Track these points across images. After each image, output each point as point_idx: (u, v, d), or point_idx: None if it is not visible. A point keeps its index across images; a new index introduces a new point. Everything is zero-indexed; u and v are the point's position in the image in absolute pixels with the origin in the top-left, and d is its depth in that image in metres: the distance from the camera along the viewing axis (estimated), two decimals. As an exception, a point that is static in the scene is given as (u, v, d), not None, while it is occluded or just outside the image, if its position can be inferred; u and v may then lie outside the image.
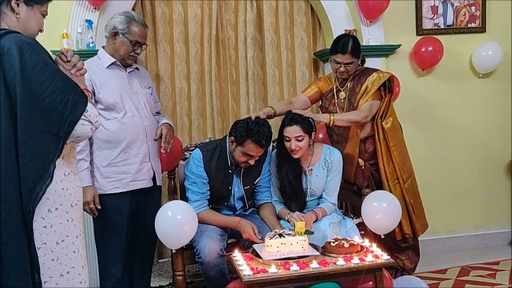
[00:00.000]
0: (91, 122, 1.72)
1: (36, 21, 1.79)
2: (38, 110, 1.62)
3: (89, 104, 1.72)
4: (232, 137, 2.66)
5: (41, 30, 1.84)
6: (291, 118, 2.72)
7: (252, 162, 2.66)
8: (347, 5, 3.68)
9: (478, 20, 3.88)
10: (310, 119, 2.76)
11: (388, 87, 3.04)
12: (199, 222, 2.66)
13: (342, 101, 3.05)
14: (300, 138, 2.69)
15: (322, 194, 2.87)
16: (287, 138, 2.71)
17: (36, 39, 1.78)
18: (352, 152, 3.03)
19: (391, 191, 2.99)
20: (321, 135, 3.32)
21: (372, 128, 3.04)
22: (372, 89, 2.95)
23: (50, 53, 1.77)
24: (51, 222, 1.69)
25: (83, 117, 1.68)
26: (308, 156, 2.84)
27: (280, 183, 2.85)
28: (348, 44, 2.92)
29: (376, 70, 3.07)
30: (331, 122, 2.84)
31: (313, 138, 2.78)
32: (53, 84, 1.63)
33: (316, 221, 2.73)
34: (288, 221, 2.74)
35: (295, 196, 2.83)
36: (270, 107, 3.03)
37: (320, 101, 3.22)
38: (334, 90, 3.10)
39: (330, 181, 2.84)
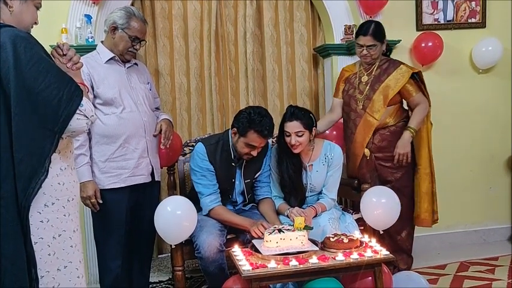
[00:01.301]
0: (86, 117, 1.71)
1: (30, 14, 1.78)
2: (33, 105, 1.60)
3: (84, 98, 1.70)
4: (234, 129, 2.66)
5: (35, 23, 1.82)
6: (291, 113, 2.72)
7: (254, 153, 2.66)
8: (347, 1, 3.67)
9: (478, 15, 3.87)
10: (311, 114, 2.76)
11: (417, 80, 3.13)
12: (211, 217, 2.67)
13: (364, 84, 3.10)
14: (300, 134, 2.69)
15: (322, 190, 2.87)
16: (287, 133, 2.71)
17: (34, 33, 1.77)
18: (362, 140, 3.07)
19: (432, 174, 3.17)
20: (327, 132, 3.34)
21: (384, 121, 3.07)
22: (402, 80, 3.02)
23: (49, 48, 1.76)
24: (48, 217, 1.69)
25: (78, 111, 1.67)
26: (308, 152, 2.84)
27: (280, 178, 2.84)
28: (369, 26, 3.02)
29: (402, 63, 3.14)
30: (415, 134, 3.04)
31: (313, 133, 2.78)
32: (47, 79, 1.62)
33: (315, 216, 2.73)
34: (287, 216, 2.74)
35: (295, 191, 2.83)
36: None
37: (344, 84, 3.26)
38: (358, 74, 3.16)
39: (330, 177, 2.84)
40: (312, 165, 2.84)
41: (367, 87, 3.08)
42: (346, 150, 3.25)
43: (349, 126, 3.17)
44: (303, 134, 2.69)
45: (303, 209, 2.75)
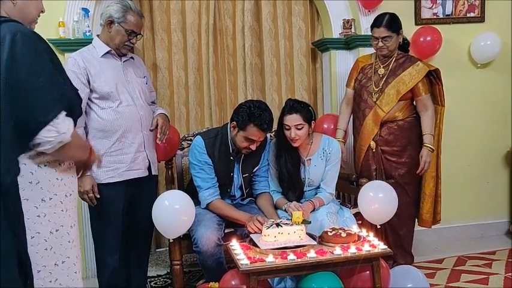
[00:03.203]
0: (58, 132, 1.57)
1: (34, 6, 1.75)
2: (15, 102, 1.53)
3: (63, 113, 1.58)
4: (234, 122, 2.66)
5: (42, 11, 1.79)
6: (291, 106, 2.72)
7: (253, 147, 2.65)
8: (345, -5, 3.66)
9: (477, 9, 3.86)
10: (310, 108, 2.75)
11: (435, 77, 3.12)
12: (210, 210, 2.67)
13: (380, 77, 3.08)
14: (299, 127, 2.69)
15: (320, 184, 2.87)
16: (287, 127, 2.71)
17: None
18: (369, 132, 3.08)
19: (438, 176, 3.21)
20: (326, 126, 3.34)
21: (393, 115, 3.06)
22: (417, 77, 3.01)
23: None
24: (45, 212, 1.67)
25: (51, 123, 1.55)
26: (307, 146, 2.84)
27: (278, 173, 2.84)
28: (383, 18, 3.00)
29: (420, 59, 3.13)
30: (432, 147, 3.06)
31: (312, 127, 2.77)
32: (39, 80, 1.55)
33: (313, 210, 2.73)
34: (285, 210, 2.74)
35: (293, 186, 2.83)
36: (338, 139, 3.14)
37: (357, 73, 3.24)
38: (374, 65, 3.14)
39: (328, 171, 2.84)
40: (310, 159, 2.84)
41: (382, 81, 3.07)
42: (354, 142, 3.26)
43: (358, 116, 3.17)
44: (302, 127, 2.69)
45: (301, 203, 2.75)
